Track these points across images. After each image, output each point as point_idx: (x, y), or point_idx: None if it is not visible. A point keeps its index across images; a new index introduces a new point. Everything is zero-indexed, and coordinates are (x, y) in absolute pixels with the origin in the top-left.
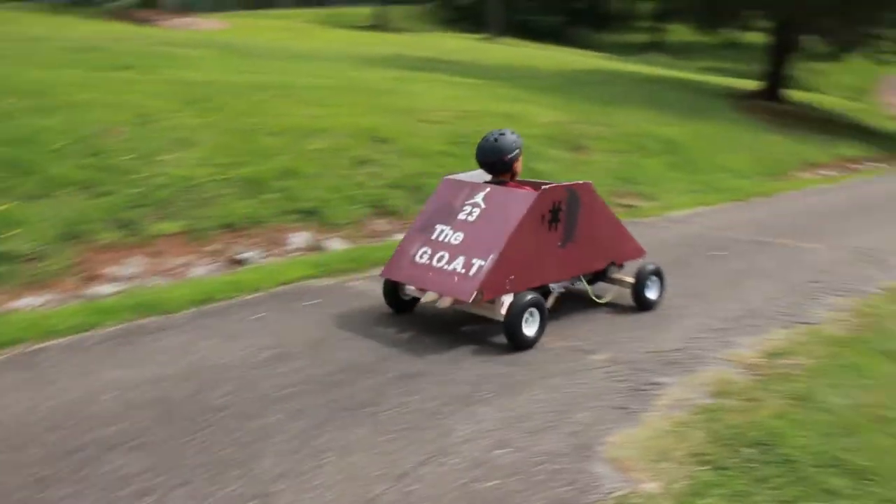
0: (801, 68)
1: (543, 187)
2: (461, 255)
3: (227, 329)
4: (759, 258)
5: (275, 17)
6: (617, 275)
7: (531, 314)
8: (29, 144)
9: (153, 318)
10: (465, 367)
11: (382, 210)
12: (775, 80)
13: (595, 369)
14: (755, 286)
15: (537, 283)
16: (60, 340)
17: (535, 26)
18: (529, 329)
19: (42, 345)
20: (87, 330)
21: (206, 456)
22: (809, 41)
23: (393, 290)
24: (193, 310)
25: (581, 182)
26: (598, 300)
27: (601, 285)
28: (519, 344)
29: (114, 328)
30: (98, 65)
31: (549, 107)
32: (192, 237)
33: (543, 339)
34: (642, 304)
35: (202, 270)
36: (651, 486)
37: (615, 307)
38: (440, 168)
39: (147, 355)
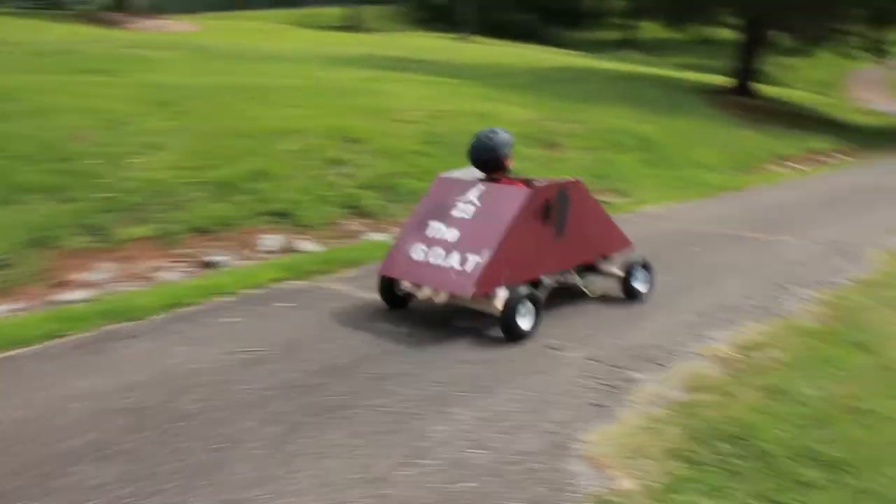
0: (770, 63)
1: (536, 185)
2: (457, 251)
3: (199, 334)
4: (732, 252)
5: (247, 18)
6: (606, 267)
7: (526, 307)
8: None
9: (123, 325)
10: (439, 367)
11: (355, 211)
12: (746, 76)
13: (570, 366)
14: (729, 280)
15: (531, 277)
16: (28, 349)
17: (508, 25)
18: (525, 322)
19: (9, 353)
20: (55, 338)
21: (178, 464)
22: (778, 37)
23: (388, 287)
24: (164, 315)
25: (572, 179)
26: (588, 292)
27: (590, 278)
28: (515, 337)
29: (83, 335)
30: (66, 68)
31: (523, 105)
32: (163, 241)
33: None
34: (631, 295)
35: (173, 275)
36: (628, 484)
37: (591, 303)
38: (413, 168)
39: (117, 362)
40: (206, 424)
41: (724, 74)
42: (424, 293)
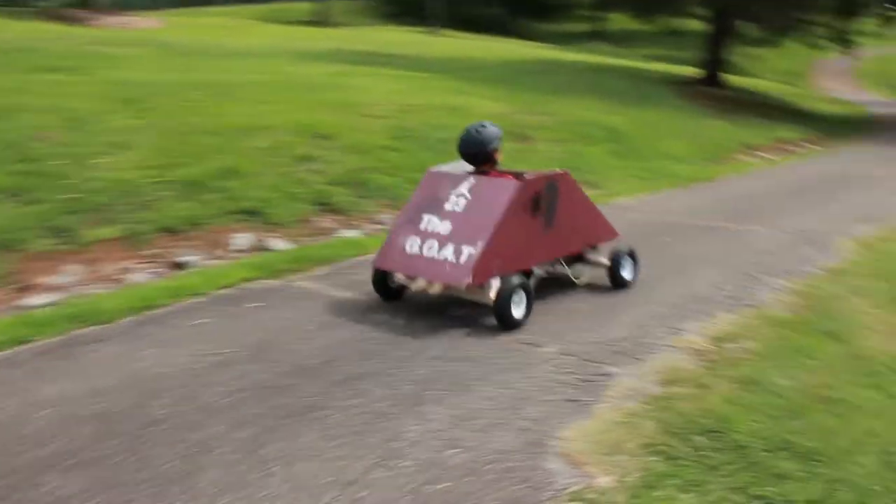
0: (738, 54)
1: (526, 177)
2: (450, 243)
3: (168, 336)
4: (703, 243)
5: (213, 14)
6: (593, 256)
7: (519, 296)
8: None
9: (91, 329)
10: (413, 365)
11: (326, 207)
12: (714, 66)
13: (545, 362)
14: (700, 271)
15: (522, 268)
16: None
17: (478, 18)
18: (518, 311)
19: None
20: (20, 344)
21: (148, 472)
22: (745, 27)
23: (382, 279)
24: (132, 318)
25: (559, 171)
26: (576, 281)
27: (578, 267)
28: (509, 325)
29: (49, 341)
30: (28, 66)
31: (493, 98)
32: (131, 242)
33: (491, 334)
34: (618, 284)
35: (142, 276)
36: (605, 481)
37: (564, 297)
38: (383, 163)
39: (84, 368)
40: (176, 430)
41: (693, 65)
42: (419, 285)
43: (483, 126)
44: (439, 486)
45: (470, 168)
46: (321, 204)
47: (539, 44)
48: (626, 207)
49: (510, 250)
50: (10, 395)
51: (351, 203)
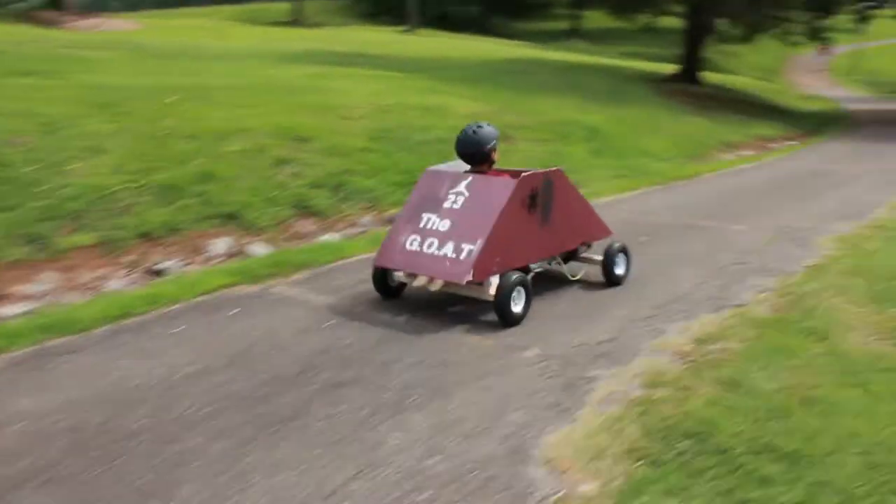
0: (715, 51)
1: (523, 175)
2: (450, 240)
3: (145, 346)
4: (684, 241)
5: (189, 15)
6: (587, 254)
7: (518, 292)
8: None
9: (65, 339)
10: (394, 371)
11: (306, 211)
12: (692, 64)
13: (526, 366)
14: (682, 270)
15: (521, 264)
16: None
17: (455, 17)
18: (517, 306)
19: None
20: None
21: (123, 487)
22: (721, 24)
23: (382, 277)
24: (109, 327)
25: (554, 169)
26: (571, 278)
27: (573, 264)
28: (509, 321)
29: (22, 352)
30: None
31: (472, 98)
32: (107, 249)
33: (473, 338)
34: (611, 280)
35: (118, 284)
36: (588, 488)
37: (545, 299)
38: (362, 165)
39: (58, 380)
40: (152, 443)
41: (670, 62)
42: (419, 282)
43: (480, 126)
44: (421, 496)
45: (467, 167)
46: (300, 207)
47: (517, 42)
48: (606, 206)
49: (509, 247)
50: None
51: (330, 206)
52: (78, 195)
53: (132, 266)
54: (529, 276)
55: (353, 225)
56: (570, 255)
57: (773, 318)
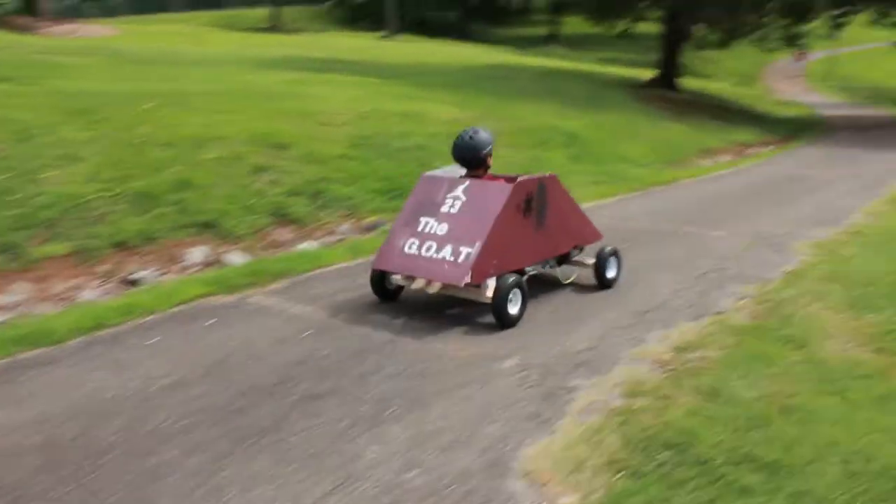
0: (693, 56)
1: (518, 180)
2: (448, 243)
3: (119, 358)
4: (663, 247)
5: (167, 21)
6: (579, 257)
7: (514, 294)
8: None
9: (38, 351)
10: (372, 383)
11: (284, 219)
12: (670, 69)
13: (506, 376)
14: (661, 276)
15: (517, 267)
16: None
17: (433, 23)
18: (514, 308)
19: None
20: None
21: None
22: (698, 30)
23: (380, 280)
24: (82, 338)
25: (548, 174)
26: (564, 281)
27: (565, 267)
28: (506, 323)
29: None
30: None
31: (451, 104)
32: (81, 258)
33: (451, 348)
34: (603, 283)
35: (93, 294)
36: (568, 501)
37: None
38: (341, 173)
39: (31, 393)
40: (126, 458)
41: (648, 68)
42: (418, 284)
43: (476, 132)
44: None
45: (462, 172)
46: (278, 215)
47: (495, 48)
48: (586, 212)
49: (505, 250)
50: None
51: (308, 214)
52: (52, 204)
53: (107, 276)
54: (524, 279)
55: (331, 233)
56: (563, 259)
57: (752, 325)
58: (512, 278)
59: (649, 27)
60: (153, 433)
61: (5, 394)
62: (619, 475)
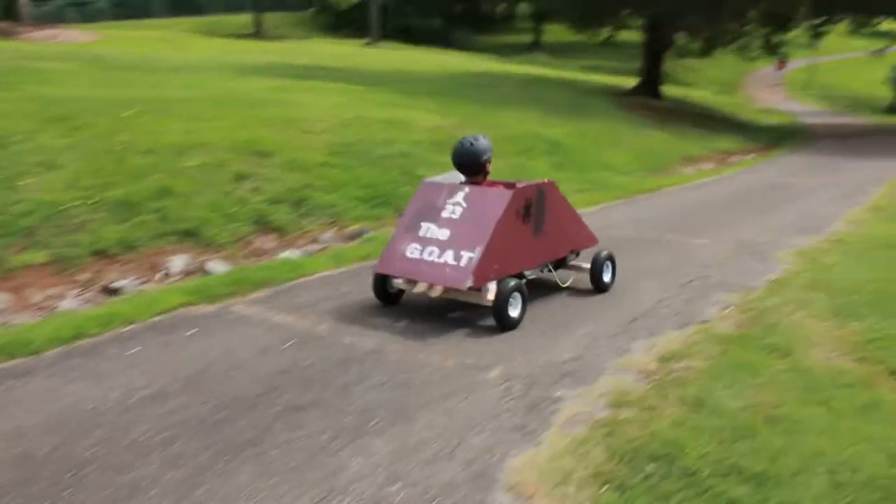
0: (675, 65)
1: (518, 186)
2: (450, 248)
3: (98, 369)
4: (647, 255)
5: (149, 27)
6: (575, 262)
7: (515, 298)
8: None
9: (15, 362)
10: (355, 394)
11: (266, 227)
12: (652, 77)
13: (490, 387)
14: (646, 285)
15: (516, 271)
16: None
17: (417, 30)
18: (514, 311)
19: None
20: None
21: None
22: (680, 39)
23: (382, 284)
24: (60, 349)
25: (546, 181)
26: (562, 285)
27: (562, 271)
28: (507, 325)
29: None
30: None
31: (435, 111)
32: (61, 267)
33: (435, 358)
34: (599, 287)
35: (72, 303)
36: None
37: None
38: (324, 180)
39: (7, 405)
40: (103, 472)
41: (631, 76)
42: (419, 288)
43: (476, 139)
44: None
45: (461, 178)
46: (260, 223)
47: (479, 55)
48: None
49: (506, 255)
50: None
51: (291, 222)
52: (30, 211)
53: (87, 285)
54: (524, 282)
55: (314, 241)
56: (560, 263)
57: (737, 334)
58: (512, 282)
59: (632, 35)
60: (132, 446)
61: None
62: (605, 488)
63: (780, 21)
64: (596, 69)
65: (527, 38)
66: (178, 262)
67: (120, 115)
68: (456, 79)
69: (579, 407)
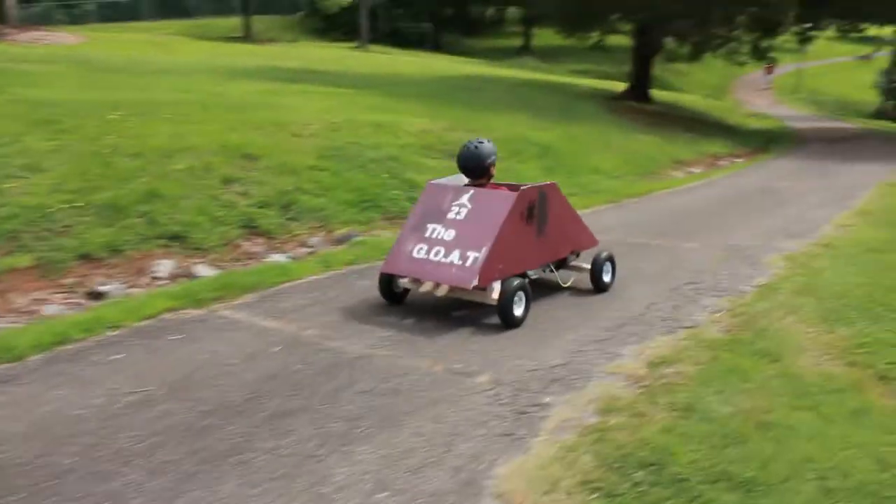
0: (664, 69)
1: (521, 188)
2: (456, 248)
3: (82, 374)
4: (637, 259)
5: (137, 29)
6: (576, 262)
7: (519, 297)
8: None
9: None
10: (342, 400)
11: (254, 231)
12: (641, 81)
13: (478, 393)
14: (636, 289)
15: (520, 271)
16: None
17: (406, 33)
18: (518, 310)
19: None
20: None
21: None
22: (670, 43)
23: (388, 284)
24: (44, 354)
25: (548, 182)
26: (563, 285)
27: (563, 272)
28: (511, 324)
29: None
30: None
31: (423, 115)
32: (46, 271)
33: (424, 364)
34: (599, 287)
35: (57, 307)
36: None
37: (495, 323)
38: (312, 184)
39: None
40: (85, 481)
41: (620, 80)
42: (425, 287)
43: (481, 142)
44: None
45: (466, 180)
46: (248, 227)
47: (469, 59)
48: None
49: (509, 255)
50: None
51: (279, 226)
52: (14, 215)
53: (72, 289)
54: (527, 282)
55: (302, 245)
56: (561, 264)
57: (727, 339)
58: (516, 281)
59: (621, 40)
60: (117, 453)
61: None
62: (594, 495)
63: (769, 26)
64: (585, 73)
65: (516, 42)
66: (164, 266)
67: (107, 117)
68: (445, 82)
69: (568, 413)
